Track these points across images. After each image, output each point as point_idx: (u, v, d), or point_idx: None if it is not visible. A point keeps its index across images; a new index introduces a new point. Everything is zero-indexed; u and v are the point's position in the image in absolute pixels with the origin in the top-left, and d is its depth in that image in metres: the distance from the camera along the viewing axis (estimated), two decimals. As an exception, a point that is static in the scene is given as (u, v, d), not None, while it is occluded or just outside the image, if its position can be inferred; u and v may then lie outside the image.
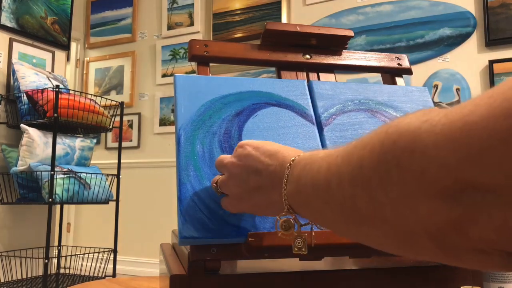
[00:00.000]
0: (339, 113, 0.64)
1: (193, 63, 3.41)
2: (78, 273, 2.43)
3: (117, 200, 2.42)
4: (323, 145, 0.60)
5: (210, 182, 0.53)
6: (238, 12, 3.30)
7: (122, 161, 2.57)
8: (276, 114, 0.61)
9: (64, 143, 2.24)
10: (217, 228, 0.50)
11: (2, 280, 2.18)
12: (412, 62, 3.08)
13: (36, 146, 2.09)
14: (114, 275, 2.38)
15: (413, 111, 0.28)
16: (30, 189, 2.14)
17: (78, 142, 2.34)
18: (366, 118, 0.64)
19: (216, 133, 0.58)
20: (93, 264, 2.35)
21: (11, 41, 2.39)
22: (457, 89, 2.62)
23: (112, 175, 2.41)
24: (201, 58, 0.68)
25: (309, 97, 0.65)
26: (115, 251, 2.39)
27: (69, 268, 2.59)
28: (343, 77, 2.93)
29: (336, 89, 0.67)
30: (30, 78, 2.26)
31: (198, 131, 0.57)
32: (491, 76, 2.52)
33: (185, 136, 0.56)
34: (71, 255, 2.36)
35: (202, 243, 0.49)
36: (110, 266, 2.38)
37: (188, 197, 0.51)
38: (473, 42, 2.62)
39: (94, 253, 2.33)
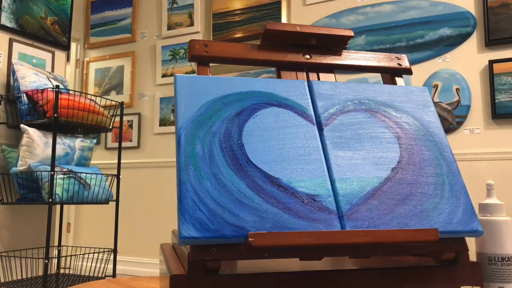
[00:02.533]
0: (339, 113, 0.64)
1: (193, 63, 3.42)
2: (78, 273, 2.43)
3: (117, 200, 2.42)
4: (323, 145, 0.61)
5: (210, 182, 0.53)
6: (238, 12, 3.30)
7: (122, 161, 2.57)
8: (277, 114, 0.62)
9: (64, 143, 2.24)
10: (217, 228, 0.50)
11: (2, 280, 2.18)
12: (412, 62, 3.05)
13: (36, 146, 2.09)
14: (114, 275, 2.38)
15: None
16: (30, 189, 2.14)
17: (78, 142, 2.34)
18: (366, 118, 0.65)
19: (216, 133, 0.58)
20: (93, 264, 2.36)
21: (11, 41, 2.39)
22: (457, 89, 2.62)
23: (112, 175, 2.41)
24: (201, 58, 0.68)
25: (309, 97, 0.65)
26: (115, 251, 2.39)
27: (69, 268, 2.59)
28: (343, 77, 2.93)
29: (336, 89, 0.67)
30: (30, 78, 2.26)
31: (198, 131, 0.57)
32: (491, 76, 2.52)
33: (185, 136, 0.56)
34: (71, 255, 2.36)
35: (202, 243, 0.49)
36: (110, 266, 2.38)
37: (188, 197, 0.51)
38: (473, 42, 2.62)
39: (94, 253, 2.33)
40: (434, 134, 0.65)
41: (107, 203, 2.34)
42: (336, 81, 0.73)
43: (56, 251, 2.45)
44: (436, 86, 2.67)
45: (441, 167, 0.61)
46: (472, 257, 0.62)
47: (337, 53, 0.74)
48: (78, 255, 2.37)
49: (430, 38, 2.72)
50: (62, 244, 2.50)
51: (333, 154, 0.59)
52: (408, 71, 0.77)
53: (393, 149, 0.62)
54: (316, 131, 0.61)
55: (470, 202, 0.59)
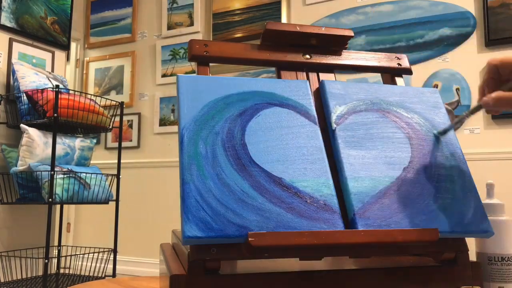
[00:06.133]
0: (351, 112, 0.64)
1: (193, 63, 3.42)
2: (78, 273, 2.43)
3: (117, 200, 2.42)
4: (335, 144, 0.60)
5: (213, 182, 0.53)
6: (238, 12, 3.30)
7: (122, 161, 2.57)
8: (279, 114, 0.62)
9: (64, 143, 2.24)
10: (221, 227, 0.50)
11: (2, 280, 2.18)
12: (412, 62, 3.06)
13: (36, 146, 2.09)
14: (114, 275, 2.38)
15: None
16: (30, 189, 2.13)
17: (78, 142, 2.34)
18: (378, 118, 0.65)
19: (219, 133, 0.58)
20: (93, 264, 2.35)
21: (11, 41, 2.39)
22: (457, 89, 2.62)
23: (112, 175, 2.41)
24: (201, 58, 0.68)
25: (311, 97, 0.65)
26: (115, 251, 2.39)
27: (69, 268, 2.59)
28: (343, 77, 2.93)
29: (348, 88, 0.67)
30: (30, 78, 2.26)
31: (201, 131, 0.57)
32: (491, 76, 2.52)
33: (188, 135, 0.57)
34: (71, 255, 2.36)
35: (206, 243, 0.49)
36: (110, 266, 2.38)
37: (191, 196, 0.51)
38: (473, 42, 2.62)
39: (94, 253, 2.33)
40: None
41: (107, 203, 2.34)
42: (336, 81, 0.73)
43: (56, 251, 2.45)
44: (436, 86, 2.67)
45: (451, 167, 0.61)
46: (472, 257, 0.62)
47: (337, 53, 0.74)
48: (78, 255, 2.37)
49: (430, 38, 2.72)
50: (62, 244, 2.49)
51: (345, 153, 0.59)
52: (408, 71, 0.77)
53: (405, 149, 0.62)
54: (319, 131, 0.61)
55: (481, 203, 0.59)
